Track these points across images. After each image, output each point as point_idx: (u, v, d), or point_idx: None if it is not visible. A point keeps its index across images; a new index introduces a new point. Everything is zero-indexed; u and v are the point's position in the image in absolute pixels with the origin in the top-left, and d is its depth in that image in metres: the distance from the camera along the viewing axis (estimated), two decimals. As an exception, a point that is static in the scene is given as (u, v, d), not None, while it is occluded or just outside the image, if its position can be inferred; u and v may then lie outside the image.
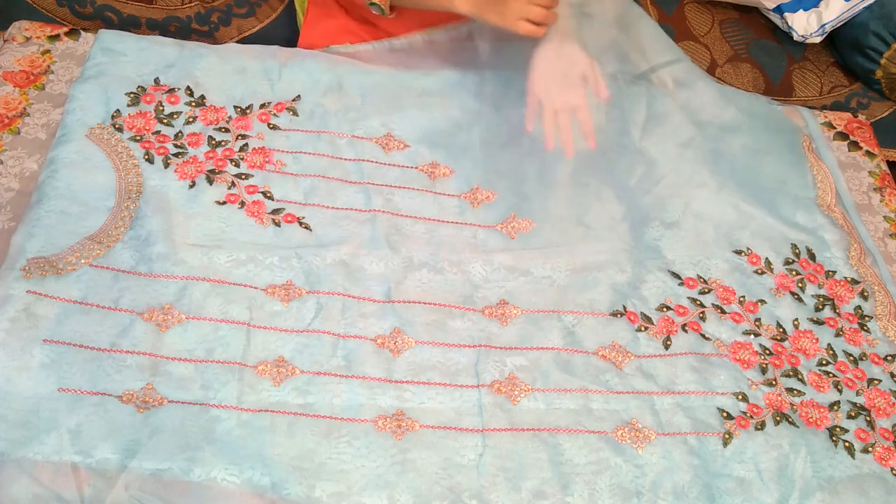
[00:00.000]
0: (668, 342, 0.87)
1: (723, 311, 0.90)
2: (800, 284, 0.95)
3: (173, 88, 1.02)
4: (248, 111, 1.01)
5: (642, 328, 0.88)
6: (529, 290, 0.90)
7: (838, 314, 0.93)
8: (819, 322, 0.92)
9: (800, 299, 0.93)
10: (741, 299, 0.92)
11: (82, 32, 1.09)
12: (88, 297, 0.82)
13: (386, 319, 0.86)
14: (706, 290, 0.92)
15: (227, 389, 0.78)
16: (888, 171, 1.17)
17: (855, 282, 0.97)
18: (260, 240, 0.91)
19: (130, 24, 1.20)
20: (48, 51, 1.06)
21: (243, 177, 0.95)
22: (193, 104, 1.01)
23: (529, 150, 0.99)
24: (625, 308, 0.89)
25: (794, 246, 0.98)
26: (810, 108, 1.27)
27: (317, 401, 0.79)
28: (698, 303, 0.91)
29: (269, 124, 1.00)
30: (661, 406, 0.82)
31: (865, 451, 0.82)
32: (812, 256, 0.98)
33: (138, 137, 0.96)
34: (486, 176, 1.01)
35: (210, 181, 0.94)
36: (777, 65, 1.39)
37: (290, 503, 0.72)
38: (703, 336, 0.88)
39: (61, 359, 0.77)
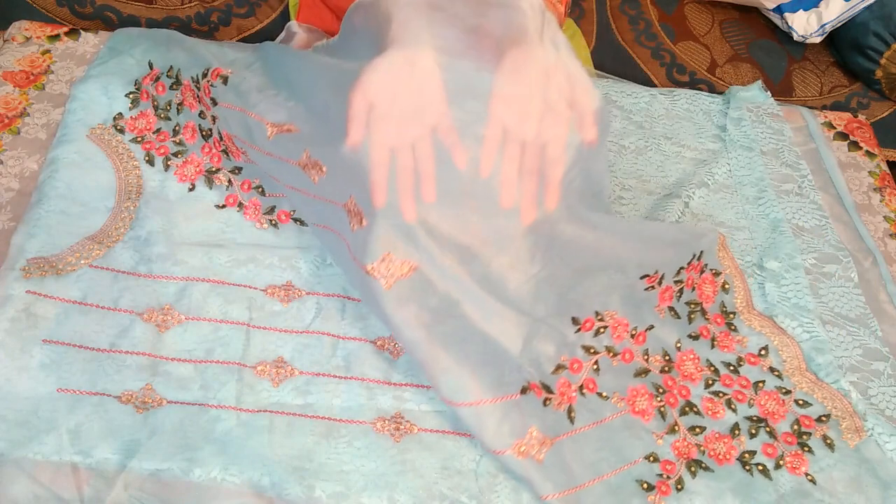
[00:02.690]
0: (572, 413, 0.80)
1: (614, 354, 0.85)
2: (678, 294, 0.90)
3: (158, 76, 1.00)
4: (199, 85, 0.98)
5: (547, 401, 0.79)
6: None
7: (707, 319, 0.91)
8: (695, 337, 0.89)
9: (676, 315, 0.90)
10: (633, 332, 0.87)
11: (82, 32, 1.09)
12: (88, 298, 0.82)
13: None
14: (602, 329, 0.85)
15: (227, 390, 0.78)
16: (888, 171, 1.17)
17: (717, 273, 0.94)
18: (260, 240, 0.91)
19: (130, 25, 1.20)
20: (48, 51, 1.06)
21: (237, 171, 0.95)
22: (174, 87, 0.99)
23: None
24: (528, 382, 0.78)
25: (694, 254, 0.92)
26: (810, 108, 1.27)
27: (316, 401, 0.79)
28: (592, 350, 0.84)
29: (211, 98, 0.96)
30: (592, 495, 0.75)
31: (777, 466, 0.81)
32: (699, 256, 0.92)
33: (139, 139, 0.97)
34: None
35: (209, 183, 0.94)
36: (777, 65, 1.39)
37: (290, 503, 0.72)
38: (599, 395, 0.82)
39: (61, 359, 0.77)
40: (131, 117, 0.98)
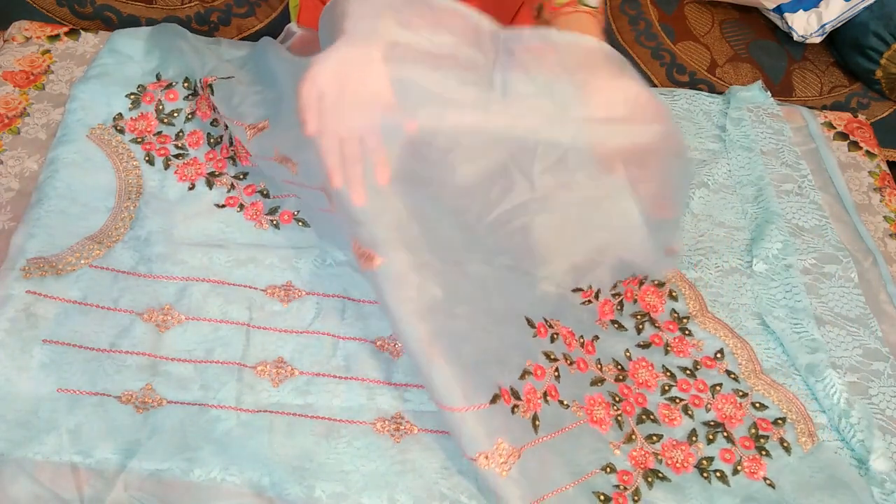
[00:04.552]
0: (536, 422, 0.78)
1: (571, 362, 0.84)
2: (619, 308, 0.91)
3: (171, 84, 1.01)
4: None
5: (514, 409, 0.77)
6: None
7: (658, 327, 0.91)
8: (645, 345, 0.89)
9: (621, 327, 0.90)
10: (581, 341, 0.87)
11: (82, 32, 1.09)
12: (88, 298, 0.82)
13: (385, 321, 0.86)
14: (555, 336, 0.85)
15: (227, 390, 0.78)
16: (888, 171, 1.17)
17: (660, 284, 0.94)
18: (260, 240, 0.91)
19: (130, 25, 1.20)
20: (48, 51, 1.06)
21: (241, 176, 0.95)
22: (191, 97, 1.00)
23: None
24: (500, 388, 0.76)
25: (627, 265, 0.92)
26: (810, 108, 1.27)
27: (316, 401, 0.79)
28: (552, 356, 0.83)
29: (213, 107, 0.97)
30: None
31: (735, 471, 0.80)
32: (639, 278, 0.93)
33: (139, 139, 0.97)
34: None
35: (210, 185, 0.94)
36: (777, 65, 1.38)
37: (290, 503, 0.72)
38: (561, 403, 0.81)
39: (61, 359, 0.77)
40: (131, 118, 0.98)
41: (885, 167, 1.17)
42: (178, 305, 0.83)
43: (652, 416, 0.83)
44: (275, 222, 0.92)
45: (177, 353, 0.80)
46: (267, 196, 0.94)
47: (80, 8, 1.21)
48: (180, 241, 0.88)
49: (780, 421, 0.85)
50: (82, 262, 0.84)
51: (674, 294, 0.94)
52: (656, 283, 0.94)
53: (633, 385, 0.86)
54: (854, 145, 1.19)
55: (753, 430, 0.84)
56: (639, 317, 0.91)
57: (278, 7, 1.28)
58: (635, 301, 0.92)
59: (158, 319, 0.82)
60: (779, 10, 1.40)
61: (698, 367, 0.88)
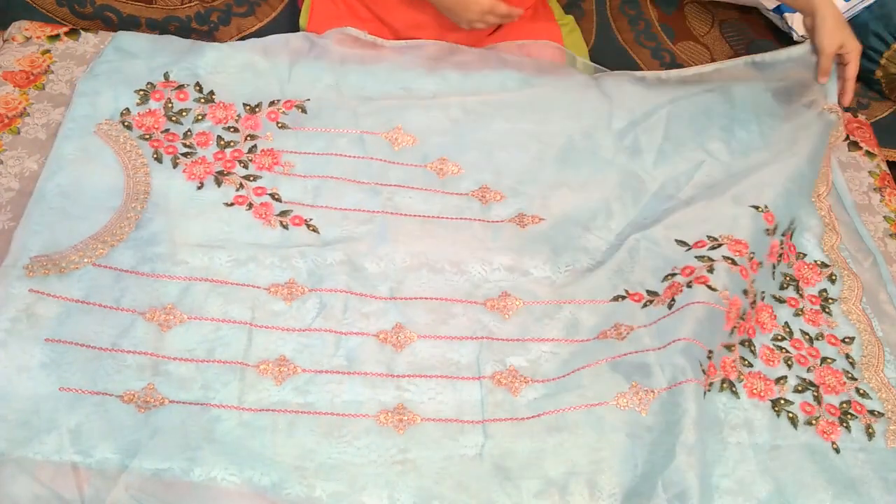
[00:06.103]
0: (672, 302, 0.85)
1: (734, 263, 0.88)
2: (779, 258, 0.96)
3: (182, 85, 1.02)
4: (257, 109, 1.01)
5: (647, 303, 0.87)
6: (529, 288, 0.90)
7: (801, 295, 0.95)
8: (780, 300, 0.93)
9: (773, 275, 0.94)
10: (751, 255, 0.90)
11: (82, 32, 1.09)
12: (90, 297, 0.82)
13: (388, 316, 0.86)
14: (716, 245, 0.90)
15: (228, 389, 0.78)
16: (888, 171, 1.17)
17: (824, 265, 0.98)
18: (261, 239, 0.91)
19: (130, 24, 1.20)
20: (48, 51, 1.06)
21: (251, 178, 0.95)
22: (202, 101, 1.01)
23: (537, 153, 1.02)
24: (626, 291, 0.89)
25: (793, 221, 0.99)
26: (810, 108, 1.26)
27: (318, 399, 0.79)
28: (706, 259, 0.89)
29: (277, 123, 1.00)
30: (658, 361, 0.80)
31: (809, 423, 0.83)
32: (792, 234, 0.99)
33: (147, 136, 0.97)
34: (496, 177, 1.01)
35: (218, 183, 0.94)
36: (777, 65, 1.38)
37: (290, 503, 0.72)
38: (709, 287, 0.85)
39: (62, 358, 0.77)
40: (139, 113, 0.98)
41: (884, 167, 1.18)
42: (180, 305, 0.83)
43: (752, 348, 0.87)
44: (284, 223, 0.92)
45: (178, 352, 0.80)
46: (279, 200, 0.94)
47: (80, 8, 1.20)
48: (183, 241, 0.88)
49: (876, 413, 0.86)
50: (85, 260, 0.84)
51: (833, 277, 0.98)
52: (819, 262, 0.98)
53: (753, 318, 0.89)
54: (854, 145, 1.19)
55: (845, 405, 0.86)
56: (787, 277, 0.95)
57: (278, 7, 1.28)
58: (791, 266, 0.97)
59: (160, 319, 0.82)
60: (779, 10, 1.40)
61: (820, 338, 0.91)
